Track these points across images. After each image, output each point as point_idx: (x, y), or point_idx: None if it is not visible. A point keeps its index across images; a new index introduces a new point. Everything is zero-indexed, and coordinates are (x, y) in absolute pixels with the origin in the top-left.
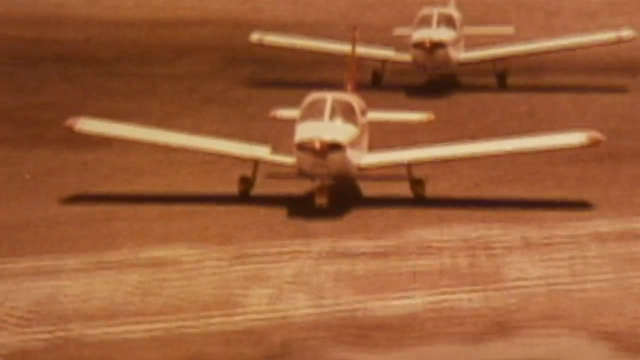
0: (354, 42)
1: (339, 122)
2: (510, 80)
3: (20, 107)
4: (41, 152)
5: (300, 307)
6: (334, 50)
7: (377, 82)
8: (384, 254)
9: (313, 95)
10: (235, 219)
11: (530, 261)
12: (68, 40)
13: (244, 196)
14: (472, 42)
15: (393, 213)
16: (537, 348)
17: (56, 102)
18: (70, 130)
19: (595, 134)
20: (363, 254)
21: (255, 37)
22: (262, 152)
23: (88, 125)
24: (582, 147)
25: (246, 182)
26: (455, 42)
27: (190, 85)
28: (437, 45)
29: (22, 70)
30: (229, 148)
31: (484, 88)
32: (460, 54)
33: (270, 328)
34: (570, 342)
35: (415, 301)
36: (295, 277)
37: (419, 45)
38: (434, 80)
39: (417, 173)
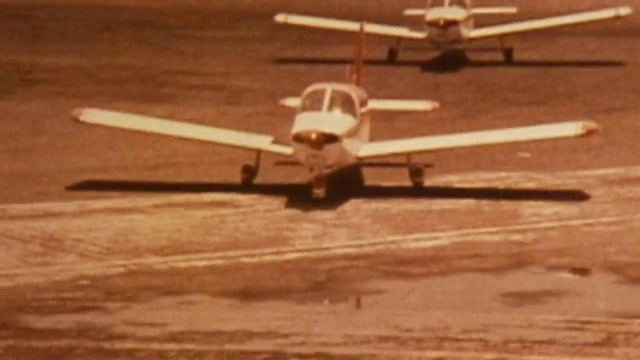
0: (360, 37)
1: (337, 113)
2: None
3: (101, 66)
4: (121, 106)
5: (341, 243)
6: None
7: (392, 58)
8: (417, 195)
9: (312, 86)
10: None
11: (545, 203)
12: (142, 8)
13: (247, 185)
14: (480, 21)
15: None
16: (550, 279)
17: (131, 63)
18: (76, 120)
19: (591, 124)
20: (399, 192)
21: (280, 18)
22: (262, 142)
23: (92, 116)
24: (578, 138)
25: (249, 171)
26: (466, 20)
27: (247, 48)
28: (450, 23)
29: (101, 34)
30: (231, 138)
31: (492, 63)
32: (470, 31)
33: (316, 261)
34: (579, 274)
35: (443, 238)
36: (338, 217)
37: (433, 23)
38: (446, 55)
39: (417, 163)
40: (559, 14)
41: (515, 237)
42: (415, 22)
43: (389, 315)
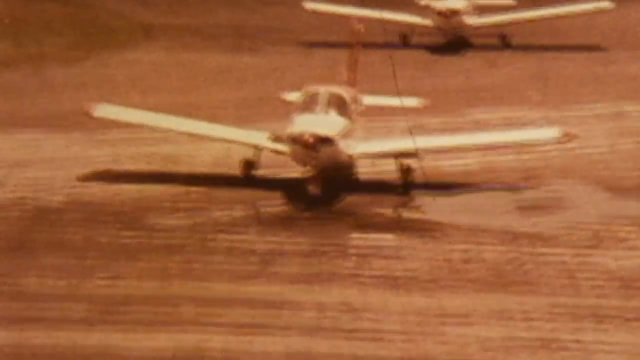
0: (357, 36)
1: (332, 114)
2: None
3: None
4: (219, 56)
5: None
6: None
7: (405, 42)
8: (450, 126)
9: (309, 89)
10: None
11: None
12: None
13: (248, 178)
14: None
15: (456, 97)
16: (555, 192)
17: (228, 22)
18: (88, 115)
19: (571, 130)
20: (436, 125)
21: (308, 5)
22: (261, 138)
23: (104, 110)
24: (556, 143)
25: (249, 165)
26: (468, 10)
27: None
28: (454, 13)
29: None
30: (230, 134)
31: (491, 47)
32: (472, 20)
33: (370, 174)
34: (577, 188)
35: (470, 159)
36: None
37: (440, 13)
38: (451, 41)
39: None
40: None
41: (527, 158)
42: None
43: (430, 218)
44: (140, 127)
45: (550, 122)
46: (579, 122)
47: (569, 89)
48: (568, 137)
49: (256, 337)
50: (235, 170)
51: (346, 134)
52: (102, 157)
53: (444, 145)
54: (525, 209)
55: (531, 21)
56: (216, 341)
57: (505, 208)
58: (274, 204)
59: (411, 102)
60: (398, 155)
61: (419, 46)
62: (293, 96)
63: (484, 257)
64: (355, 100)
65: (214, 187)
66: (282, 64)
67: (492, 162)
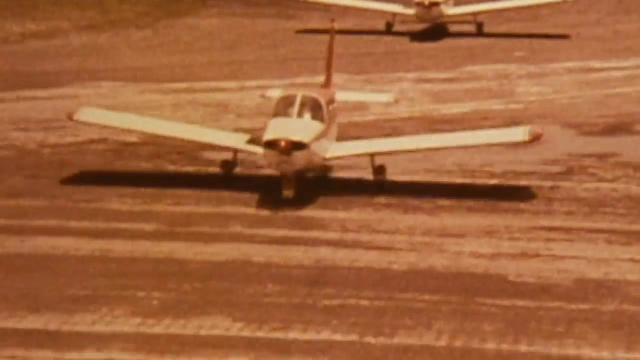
0: (332, 35)
1: (306, 119)
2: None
3: None
4: (262, 22)
5: (401, 110)
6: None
7: (389, 29)
8: (449, 80)
9: (284, 93)
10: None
11: (531, 84)
12: None
13: (227, 178)
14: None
15: (460, 53)
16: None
17: None
18: (70, 119)
19: (537, 129)
20: (437, 79)
21: None
22: (238, 141)
23: (86, 115)
24: (524, 144)
25: (228, 165)
26: (446, 1)
27: None
28: (433, 4)
29: None
30: (207, 137)
31: (467, 34)
32: (450, 10)
33: (383, 123)
34: (552, 129)
35: (465, 107)
36: (399, 93)
37: (420, 4)
38: (430, 29)
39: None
40: None
41: (513, 105)
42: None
43: (430, 154)
44: (198, 80)
45: (531, 76)
46: (554, 75)
47: (547, 47)
48: (535, 137)
49: (292, 250)
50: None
51: (320, 137)
52: (167, 103)
53: (416, 147)
54: (509, 146)
55: (506, 10)
56: (259, 253)
57: (493, 147)
58: None
59: (383, 97)
60: (372, 155)
61: (402, 33)
62: (275, 93)
63: (477, 185)
64: (331, 101)
65: (257, 130)
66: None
67: (485, 109)
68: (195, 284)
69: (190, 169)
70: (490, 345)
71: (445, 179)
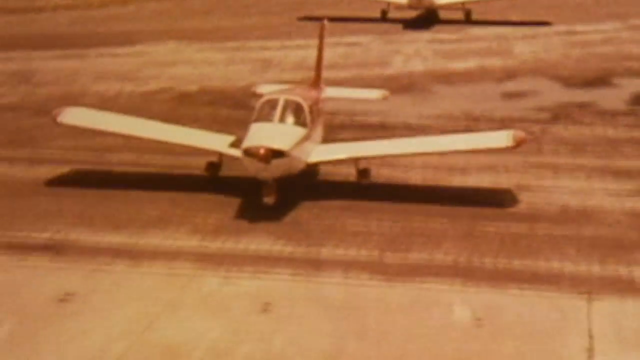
0: (321, 34)
1: (288, 124)
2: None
3: None
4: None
5: (416, 65)
6: None
7: (384, 16)
8: (457, 40)
9: (266, 97)
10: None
11: (525, 44)
12: None
13: (213, 179)
14: None
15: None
16: (527, 85)
17: None
18: (54, 120)
19: (520, 134)
20: (447, 40)
21: None
22: (221, 144)
23: (69, 115)
24: (508, 149)
25: (213, 167)
26: None
27: None
28: None
29: None
30: (191, 139)
31: (456, 21)
32: (440, 0)
33: (402, 76)
34: (542, 82)
35: (470, 63)
36: (415, 51)
37: None
38: (422, 15)
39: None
40: None
41: (509, 62)
42: None
43: (440, 103)
44: (246, 40)
45: (526, 37)
46: (544, 37)
47: (537, 13)
48: (518, 142)
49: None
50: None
51: (302, 142)
52: (221, 59)
53: (399, 152)
54: (506, 96)
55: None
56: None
57: (493, 96)
58: None
59: (373, 93)
60: (355, 159)
61: (396, 20)
62: (265, 88)
63: (479, 129)
64: (316, 102)
65: (296, 81)
66: None
67: (486, 65)
68: (243, 210)
69: (238, 112)
70: (489, 261)
71: (450, 124)
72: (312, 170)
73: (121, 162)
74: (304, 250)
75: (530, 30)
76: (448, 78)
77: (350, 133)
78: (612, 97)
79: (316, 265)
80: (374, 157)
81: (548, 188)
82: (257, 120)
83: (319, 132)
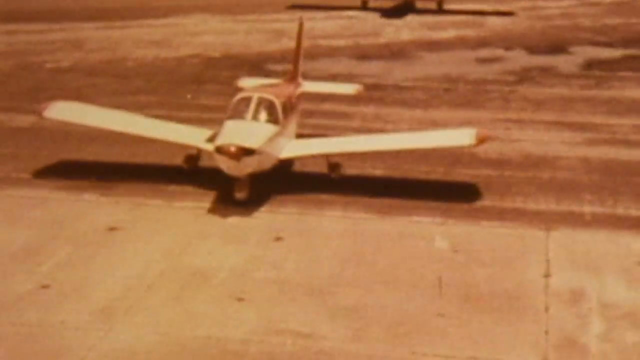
0: (299, 31)
1: (261, 121)
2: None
3: None
4: None
5: (405, 35)
6: None
7: (364, 5)
8: (439, 14)
9: (240, 94)
10: None
11: (496, 18)
12: None
13: (192, 171)
14: None
15: None
16: (497, 52)
17: None
18: (39, 114)
19: (483, 132)
20: (431, 14)
21: None
22: (199, 138)
23: (55, 110)
24: (471, 147)
25: (192, 159)
26: None
27: None
28: None
29: None
30: (170, 134)
31: (429, 10)
32: None
33: (392, 44)
34: (510, 50)
35: (449, 33)
36: (404, 24)
37: None
38: (399, 5)
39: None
40: None
41: (482, 33)
42: None
43: (424, 67)
44: (262, 13)
45: (496, 11)
46: (513, 9)
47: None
48: (480, 140)
49: (329, 131)
50: (314, 37)
51: (273, 139)
52: (241, 29)
53: (369, 149)
54: (479, 61)
55: None
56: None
57: (467, 61)
58: None
59: (348, 88)
60: (326, 155)
61: (374, 9)
62: (247, 82)
63: (457, 89)
64: (290, 98)
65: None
66: None
67: (462, 34)
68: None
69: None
70: (464, 200)
71: (433, 85)
72: (286, 163)
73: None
74: (309, 193)
75: (501, 6)
76: (431, 46)
77: None
78: (567, 63)
79: (319, 204)
80: (342, 154)
81: (514, 139)
82: (231, 117)
83: (292, 127)
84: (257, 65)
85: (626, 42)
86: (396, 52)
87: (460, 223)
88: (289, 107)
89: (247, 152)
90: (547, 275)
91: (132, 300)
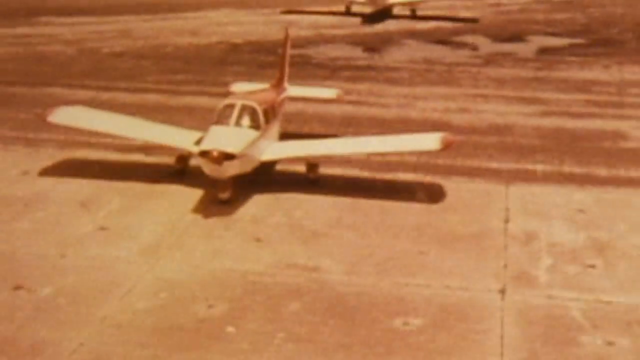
0: (285, 41)
1: (243, 126)
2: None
3: None
4: None
5: (393, 26)
6: None
7: (347, 11)
8: (420, 8)
9: (226, 101)
10: None
11: (467, 12)
12: None
13: (183, 171)
14: None
15: None
16: (466, 40)
17: None
18: (43, 120)
19: (448, 137)
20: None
21: None
22: (186, 141)
23: (59, 115)
24: (438, 151)
25: (183, 160)
26: None
27: None
28: None
29: None
30: (162, 139)
31: (405, 16)
32: (392, 0)
33: (383, 32)
34: (478, 38)
35: (429, 24)
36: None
37: None
38: (379, 11)
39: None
40: None
41: (456, 24)
42: None
43: (408, 51)
44: (276, 7)
45: (468, 8)
46: (480, 7)
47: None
48: (446, 145)
49: (327, 105)
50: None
51: (254, 143)
52: (259, 21)
53: (347, 152)
54: (453, 47)
55: None
56: (310, 106)
57: (444, 47)
58: None
59: (327, 92)
60: (305, 158)
61: (356, 14)
62: (238, 87)
63: (435, 70)
64: (272, 105)
65: (309, 37)
66: None
67: (440, 25)
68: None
69: (272, 58)
70: (440, 160)
71: (416, 66)
72: (268, 164)
73: (191, 91)
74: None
75: (470, 3)
76: (414, 34)
77: (349, 71)
78: (524, 49)
79: (322, 163)
80: (318, 157)
81: (480, 110)
82: (217, 123)
83: (274, 130)
84: (272, 50)
85: (571, 33)
86: (386, 39)
87: (436, 179)
88: (271, 113)
89: (228, 156)
90: (506, 221)
91: (172, 240)
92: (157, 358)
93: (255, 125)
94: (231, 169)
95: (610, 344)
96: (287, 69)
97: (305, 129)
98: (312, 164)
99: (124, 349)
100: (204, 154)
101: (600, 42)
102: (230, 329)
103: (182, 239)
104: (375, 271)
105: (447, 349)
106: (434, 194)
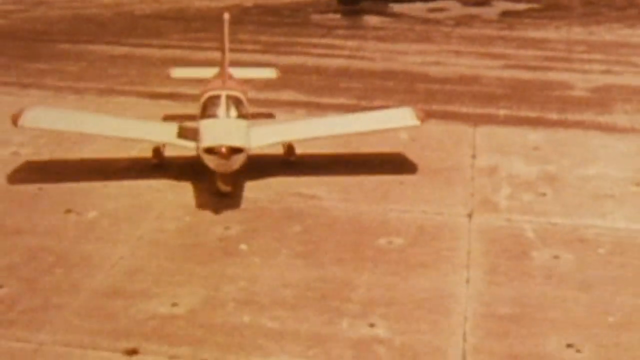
0: (224, 27)
1: (232, 117)
2: None
3: None
4: None
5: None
6: None
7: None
8: None
9: (209, 93)
10: None
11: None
12: None
13: (160, 164)
14: None
15: None
16: (440, 4)
17: None
18: (14, 123)
19: (420, 112)
20: None
21: None
22: (169, 133)
23: (29, 118)
24: (417, 127)
25: (159, 153)
26: None
27: None
28: None
29: None
30: (142, 134)
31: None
32: None
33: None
34: (449, 3)
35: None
36: None
37: None
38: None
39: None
40: None
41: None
42: None
43: (391, 14)
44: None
45: None
46: None
47: None
48: (421, 119)
49: (326, 59)
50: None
51: (247, 134)
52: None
53: (325, 134)
54: (429, 10)
55: None
56: (312, 60)
57: (422, 10)
58: None
59: (267, 72)
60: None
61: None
62: (179, 72)
63: (414, 29)
64: (245, 91)
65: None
66: None
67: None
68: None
69: (276, 18)
70: (420, 105)
71: (398, 26)
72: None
73: (209, 47)
74: (313, 99)
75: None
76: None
77: (342, 30)
78: (489, 13)
79: (322, 107)
80: (298, 140)
81: (452, 64)
82: (206, 116)
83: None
84: (276, 10)
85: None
86: (372, 4)
87: (416, 122)
88: (246, 99)
89: (235, 150)
90: (473, 157)
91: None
92: (183, 269)
93: (242, 115)
94: (238, 162)
95: (556, 257)
96: (227, 55)
97: (308, 78)
98: (289, 146)
99: (156, 262)
100: (210, 150)
101: (553, 7)
102: (243, 246)
103: (203, 173)
104: (364, 199)
105: (424, 263)
106: (414, 134)
